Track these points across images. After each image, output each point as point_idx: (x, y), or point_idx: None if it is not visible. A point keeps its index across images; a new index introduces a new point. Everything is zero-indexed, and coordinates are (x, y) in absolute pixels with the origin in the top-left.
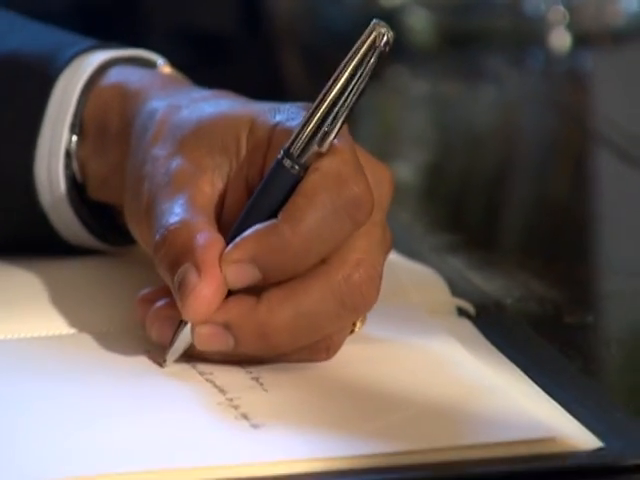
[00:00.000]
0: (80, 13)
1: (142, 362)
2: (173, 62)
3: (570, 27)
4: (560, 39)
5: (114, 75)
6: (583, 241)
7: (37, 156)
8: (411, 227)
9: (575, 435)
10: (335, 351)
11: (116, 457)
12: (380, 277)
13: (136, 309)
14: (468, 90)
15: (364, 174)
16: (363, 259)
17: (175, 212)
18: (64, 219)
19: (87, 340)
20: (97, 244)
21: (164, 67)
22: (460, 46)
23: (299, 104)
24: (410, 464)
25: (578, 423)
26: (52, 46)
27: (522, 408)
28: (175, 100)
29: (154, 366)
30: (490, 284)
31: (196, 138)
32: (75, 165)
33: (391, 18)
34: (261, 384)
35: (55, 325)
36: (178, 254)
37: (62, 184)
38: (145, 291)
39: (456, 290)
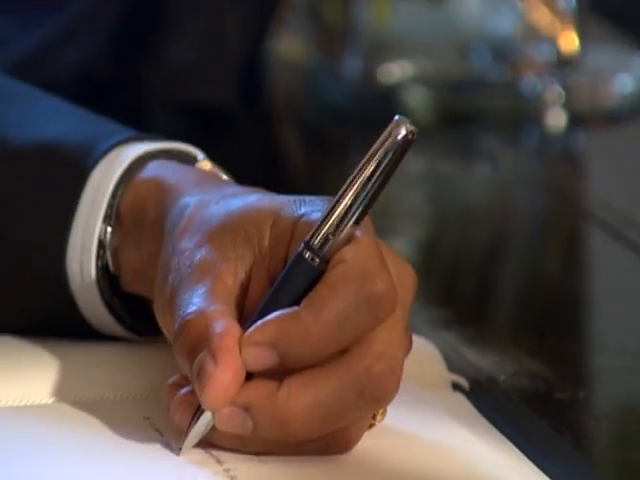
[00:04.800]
0: (84, 84)
1: (141, 430)
2: (175, 135)
3: (565, 107)
4: (555, 118)
5: (151, 169)
6: (574, 319)
7: (69, 248)
8: None
9: None
10: (353, 444)
11: None
12: (401, 370)
13: (165, 394)
14: (464, 168)
15: (388, 270)
16: (384, 352)
17: (193, 302)
18: (94, 310)
19: (76, 409)
20: (126, 334)
21: (203, 162)
22: (457, 124)
23: (325, 197)
24: None
25: None
26: (90, 136)
27: (510, 476)
28: (206, 196)
29: (152, 435)
30: (483, 359)
31: (221, 231)
32: (109, 256)
33: (388, 95)
34: (258, 455)
35: (42, 392)
36: (195, 343)
37: (93, 277)
38: (175, 377)
39: (450, 364)
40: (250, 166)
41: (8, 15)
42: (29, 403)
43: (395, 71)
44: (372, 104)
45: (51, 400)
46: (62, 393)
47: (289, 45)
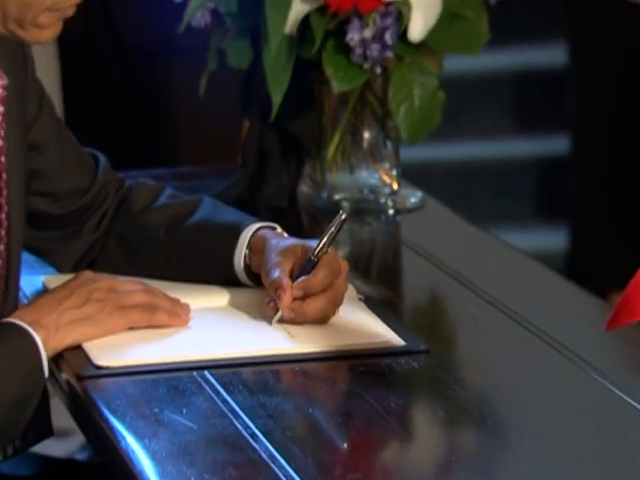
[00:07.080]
0: (237, 204)
1: (257, 316)
2: (267, 220)
3: (394, 208)
4: (391, 212)
5: (262, 232)
6: (398, 278)
7: (235, 256)
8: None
9: (395, 340)
10: (329, 319)
11: (218, 346)
12: (342, 296)
13: (266, 305)
14: (359, 230)
15: (339, 262)
16: (335, 288)
17: (275, 273)
18: (243, 276)
19: (233, 308)
20: (252, 284)
21: (279, 229)
22: (359, 215)
23: (317, 239)
24: (340, 350)
25: (397, 335)
26: (243, 220)
27: (378, 330)
28: (278, 240)
29: (261, 318)
30: (367, 290)
31: (283, 251)
32: (248, 260)
33: (336, 204)
34: (302, 325)
35: (220, 301)
36: (276, 287)
37: (242, 267)
38: (269, 298)
39: (358, 291)
40: (293, 229)
41: (210, 180)
42: (214, 306)
43: (339, 196)
44: (330, 208)
45: (224, 304)
46: (227, 301)
47: (304, 188)
